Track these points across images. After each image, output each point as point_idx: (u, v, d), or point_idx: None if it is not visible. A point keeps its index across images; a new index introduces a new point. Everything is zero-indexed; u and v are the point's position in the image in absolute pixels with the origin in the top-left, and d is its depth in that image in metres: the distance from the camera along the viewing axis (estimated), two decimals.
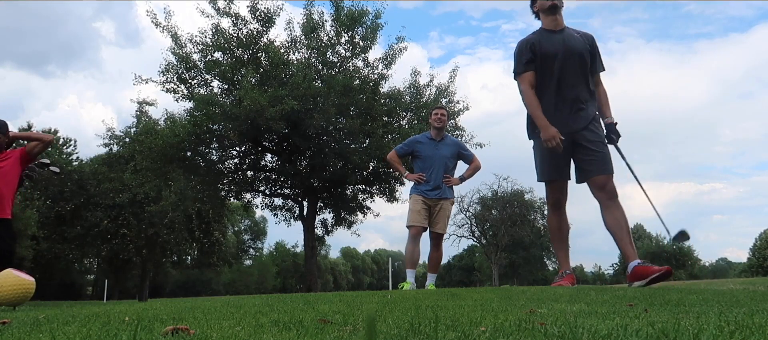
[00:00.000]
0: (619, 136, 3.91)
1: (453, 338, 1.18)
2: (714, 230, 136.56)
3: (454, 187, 5.48)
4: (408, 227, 5.33)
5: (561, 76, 3.76)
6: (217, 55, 16.83)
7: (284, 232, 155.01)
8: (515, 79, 3.93)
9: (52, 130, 32.09)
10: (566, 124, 3.71)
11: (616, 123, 3.95)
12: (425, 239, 5.50)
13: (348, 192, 19.28)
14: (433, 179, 5.34)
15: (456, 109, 18.06)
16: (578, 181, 3.85)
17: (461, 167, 5.64)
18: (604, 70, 4.00)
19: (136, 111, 18.49)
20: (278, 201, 19.86)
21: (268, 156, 18.99)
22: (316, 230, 19.09)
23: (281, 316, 1.76)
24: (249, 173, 19.01)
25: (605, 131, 3.88)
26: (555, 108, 3.74)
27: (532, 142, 3.98)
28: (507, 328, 1.30)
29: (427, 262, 5.55)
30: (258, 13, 16.77)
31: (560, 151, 3.66)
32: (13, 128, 4.78)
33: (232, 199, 20.28)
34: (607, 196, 3.72)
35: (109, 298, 24.76)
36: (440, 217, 5.37)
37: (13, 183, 4.60)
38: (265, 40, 16.91)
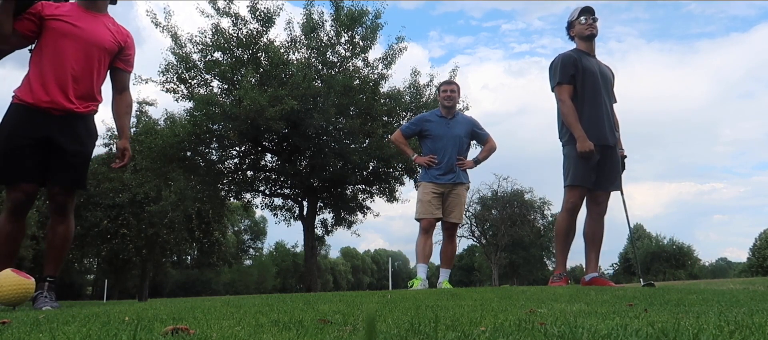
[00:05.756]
0: (623, 169, 4.26)
1: (453, 338, 1.18)
2: (714, 229, 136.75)
3: (468, 170, 4.94)
4: (417, 219, 4.81)
5: (598, 94, 4.05)
6: (217, 55, 16.83)
7: (284, 232, 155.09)
8: (554, 89, 4.14)
9: None
10: (602, 137, 4.01)
11: (626, 156, 4.33)
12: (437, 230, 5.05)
13: (348, 192, 19.27)
14: (445, 161, 4.79)
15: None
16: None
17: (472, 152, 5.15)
18: (616, 102, 4.30)
19: (136, 111, 18.52)
20: (278, 201, 19.87)
21: (268, 156, 18.99)
22: (316, 230, 19.08)
23: (281, 316, 1.76)
24: (249, 173, 19.01)
25: None
26: (589, 121, 3.99)
27: (563, 147, 4.18)
28: (507, 328, 1.30)
29: (440, 257, 5.03)
30: (258, 13, 16.77)
31: (594, 161, 3.96)
32: None
33: (232, 199, 20.27)
34: (598, 211, 4.13)
35: (108, 298, 24.75)
36: (455, 205, 4.81)
37: (104, 71, 3.28)
38: (265, 40, 16.91)
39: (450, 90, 4.98)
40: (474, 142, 5.30)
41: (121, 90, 3.43)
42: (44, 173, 3.14)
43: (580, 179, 3.98)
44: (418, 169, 5.11)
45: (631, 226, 4.37)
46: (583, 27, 4.14)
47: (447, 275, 4.88)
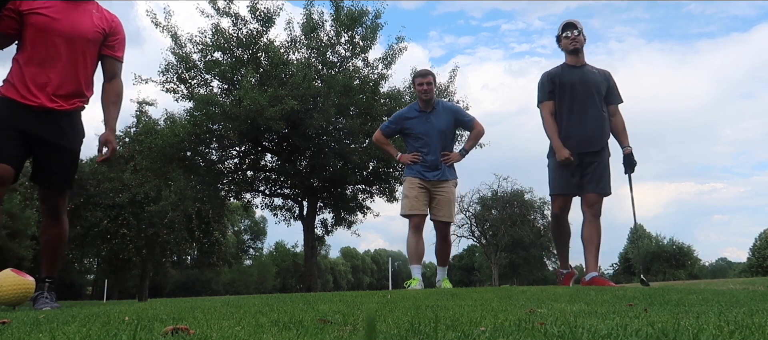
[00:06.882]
0: (634, 164, 4.39)
1: (453, 338, 1.18)
2: (714, 230, 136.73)
3: (455, 164, 4.70)
4: (404, 216, 4.56)
5: (577, 106, 4.27)
6: (217, 55, 16.83)
7: (284, 232, 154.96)
8: (538, 106, 4.43)
9: None
10: (582, 144, 4.23)
11: (631, 152, 4.41)
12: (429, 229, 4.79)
13: (348, 192, 19.27)
14: (429, 157, 4.56)
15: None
16: (576, 193, 4.38)
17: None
18: (622, 101, 4.46)
19: (136, 111, 18.53)
20: (278, 201, 19.87)
21: (268, 156, 19.00)
22: (316, 229, 19.08)
23: (281, 316, 1.76)
24: (249, 173, 19.01)
25: (623, 158, 4.39)
26: (575, 130, 4.25)
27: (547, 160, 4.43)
28: (507, 328, 1.30)
29: (435, 256, 4.79)
30: (258, 13, 16.77)
31: (571, 166, 4.20)
32: None
33: (232, 199, 20.28)
34: (592, 213, 4.25)
35: (108, 298, 24.75)
36: (443, 203, 4.57)
37: (91, 63, 3.11)
38: (265, 40, 16.91)
39: (426, 82, 4.61)
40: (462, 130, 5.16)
41: (110, 78, 3.22)
42: (22, 162, 2.97)
43: (558, 188, 4.30)
44: (395, 162, 5.02)
45: (637, 224, 4.56)
46: (567, 42, 4.34)
47: (444, 272, 4.73)
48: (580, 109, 4.25)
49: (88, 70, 3.10)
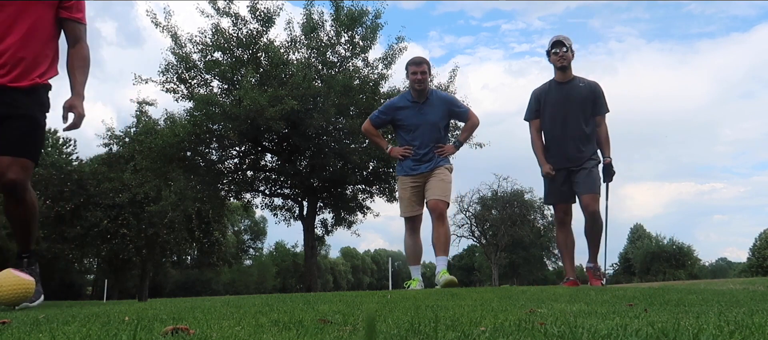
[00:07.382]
0: (612, 174, 4.65)
1: (453, 338, 1.18)
2: (714, 230, 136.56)
3: (450, 157, 4.56)
4: (402, 217, 4.52)
5: (562, 121, 4.51)
6: (217, 55, 16.83)
7: (284, 232, 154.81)
8: (525, 120, 4.75)
9: (52, 130, 32.03)
10: (565, 160, 4.50)
11: (611, 162, 4.64)
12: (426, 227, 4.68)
13: (348, 192, 19.27)
14: (421, 150, 4.38)
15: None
16: (570, 201, 4.64)
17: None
18: (608, 112, 4.68)
19: (136, 111, 18.51)
20: (278, 201, 19.86)
21: (268, 156, 18.99)
22: (315, 229, 19.07)
23: (281, 316, 1.76)
24: (249, 173, 19.00)
25: (602, 168, 4.60)
26: (557, 146, 4.53)
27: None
28: (507, 328, 1.30)
29: (432, 244, 4.49)
30: (258, 13, 16.77)
31: (558, 180, 4.50)
32: None
33: (232, 199, 20.27)
34: (588, 211, 4.45)
35: (108, 298, 24.76)
36: (434, 183, 4.33)
37: (45, 29, 2.82)
38: (265, 40, 16.91)
39: (420, 72, 4.38)
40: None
41: (73, 43, 2.96)
42: None
43: (551, 198, 4.62)
44: (395, 163, 4.94)
45: (607, 229, 4.81)
46: (555, 59, 4.53)
47: (444, 263, 4.31)
48: (562, 127, 4.50)
49: (46, 38, 2.83)
